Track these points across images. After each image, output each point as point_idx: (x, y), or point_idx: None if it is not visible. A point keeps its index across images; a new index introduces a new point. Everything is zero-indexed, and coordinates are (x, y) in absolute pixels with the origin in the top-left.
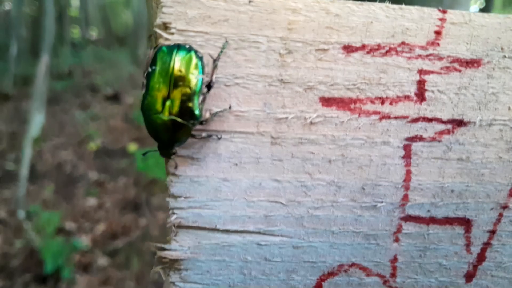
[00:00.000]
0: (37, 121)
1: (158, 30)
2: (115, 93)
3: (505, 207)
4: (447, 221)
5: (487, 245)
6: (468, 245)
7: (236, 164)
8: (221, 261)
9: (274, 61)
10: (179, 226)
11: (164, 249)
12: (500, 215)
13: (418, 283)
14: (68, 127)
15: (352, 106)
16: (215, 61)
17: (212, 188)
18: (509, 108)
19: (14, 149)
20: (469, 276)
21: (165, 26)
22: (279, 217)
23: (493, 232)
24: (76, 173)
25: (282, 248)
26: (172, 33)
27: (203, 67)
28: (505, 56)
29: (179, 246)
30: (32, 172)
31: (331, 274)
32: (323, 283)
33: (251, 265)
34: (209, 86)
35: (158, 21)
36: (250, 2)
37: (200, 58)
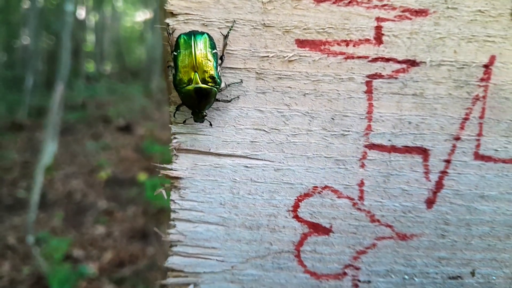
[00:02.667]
0: (49, 150)
1: (169, 20)
2: (126, 124)
3: (457, 138)
4: (407, 150)
5: (443, 173)
6: (427, 173)
7: (227, 96)
8: (214, 181)
9: (258, 8)
10: (179, 150)
11: (168, 169)
12: (454, 146)
13: (384, 206)
14: (80, 157)
15: (322, 47)
16: (225, 38)
17: (206, 117)
18: (454, 51)
19: (26, 178)
20: (429, 202)
21: (173, 14)
22: (263, 143)
23: (448, 161)
24: (86, 202)
25: (265, 171)
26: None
27: (215, 45)
28: (448, 7)
29: (179, 167)
30: (42, 200)
31: (307, 195)
32: (300, 203)
33: (239, 185)
34: (221, 58)
35: (168, 7)
36: None
37: (212, 38)
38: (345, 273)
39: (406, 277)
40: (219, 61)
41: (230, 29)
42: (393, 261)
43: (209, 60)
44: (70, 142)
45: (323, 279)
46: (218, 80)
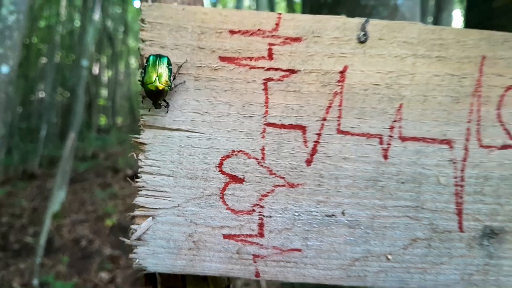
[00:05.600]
0: (58, 197)
1: (141, 45)
2: (134, 174)
3: (324, 119)
4: (291, 126)
5: (316, 142)
6: (305, 142)
7: (175, 91)
8: (166, 146)
9: (195, 37)
10: (144, 125)
11: (137, 138)
12: (322, 124)
13: (278, 164)
14: (88, 205)
15: (235, 61)
16: (179, 68)
17: (162, 105)
18: (320, 63)
19: (34, 224)
20: (308, 162)
21: (143, 40)
22: (199, 122)
23: (319, 134)
24: (91, 248)
25: (200, 140)
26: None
27: (170, 63)
28: (314, 36)
29: (144, 137)
30: (49, 245)
31: (228, 156)
32: (223, 161)
33: (183, 149)
34: (174, 76)
35: (141, 36)
36: (183, 9)
37: (169, 59)
38: (253, 210)
39: (296, 214)
40: (172, 74)
41: (182, 64)
42: (286, 202)
43: (165, 71)
44: (79, 191)
45: (239, 214)
46: (170, 83)
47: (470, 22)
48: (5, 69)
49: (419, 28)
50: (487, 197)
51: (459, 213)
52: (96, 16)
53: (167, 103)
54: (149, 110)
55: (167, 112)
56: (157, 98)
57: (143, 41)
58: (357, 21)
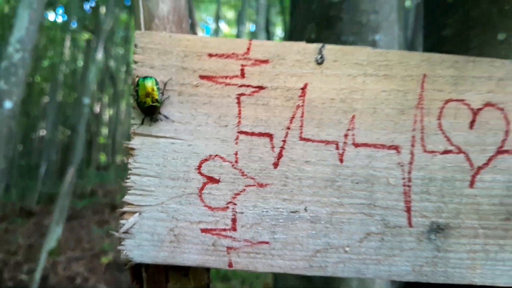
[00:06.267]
0: (54, 234)
1: (134, 65)
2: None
3: (288, 128)
4: (261, 134)
5: (282, 148)
6: (272, 148)
7: (162, 105)
8: (153, 151)
9: (179, 64)
10: (134, 133)
11: (128, 144)
12: (287, 132)
13: (249, 166)
14: (84, 242)
15: (213, 79)
16: (164, 85)
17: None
18: (284, 81)
19: (29, 261)
20: (275, 164)
21: (136, 62)
22: (181, 130)
23: (284, 141)
24: (86, 286)
25: (182, 146)
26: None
27: (158, 83)
28: (280, 58)
29: (134, 143)
30: (43, 282)
31: (206, 159)
32: (202, 164)
33: (167, 154)
34: (162, 93)
35: (134, 58)
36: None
37: (156, 80)
38: (227, 207)
39: (264, 210)
40: (160, 93)
41: (167, 81)
42: (256, 200)
43: (154, 91)
44: (76, 227)
45: (215, 210)
46: (160, 100)
47: (427, 48)
48: (8, 104)
49: (368, 52)
50: (432, 196)
51: (408, 210)
52: (99, 55)
53: (165, 116)
54: (141, 123)
55: (155, 121)
56: (153, 113)
57: (136, 62)
58: (315, 46)
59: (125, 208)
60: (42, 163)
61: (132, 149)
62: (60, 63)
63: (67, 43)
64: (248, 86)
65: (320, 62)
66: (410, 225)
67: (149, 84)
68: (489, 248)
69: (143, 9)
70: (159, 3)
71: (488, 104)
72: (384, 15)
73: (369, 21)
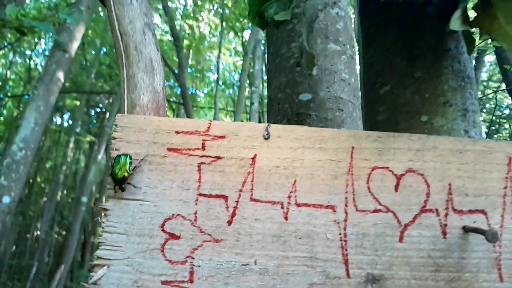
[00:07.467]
0: None
1: (112, 141)
2: None
3: (241, 191)
4: (217, 196)
5: (235, 208)
6: (227, 207)
7: (134, 172)
8: (123, 211)
9: (151, 138)
10: (109, 197)
11: (103, 205)
12: (240, 194)
13: (206, 224)
14: None
15: (178, 151)
16: (141, 160)
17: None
18: (238, 152)
19: None
20: (229, 222)
21: (114, 138)
22: (149, 193)
23: (237, 202)
24: None
25: (149, 206)
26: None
27: (131, 158)
28: (234, 135)
29: (108, 204)
30: None
31: (169, 218)
32: (165, 222)
33: (136, 213)
34: (135, 168)
35: (113, 135)
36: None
37: (130, 156)
38: (186, 261)
39: (219, 263)
40: (131, 167)
41: (143, 158)
42: (211, 254)
43: (126, 164)
44: None
45: (175, 264)
46: (129, 171)
47: (366, 129)
48: (6, 199)
49: (305, 129)
50: (367, 249)
51: (346, 262)
52: (100, 156)
53: (134, 186)
54: (115, 192)
55: (124, 190)
56: (122, 183)
57: (114, 138)
58: (263, 125)
59: (95, 262)
60: (33, 263)
61: (106, 209)
62: (62, 164)
63: (71, 144)
64: (208, 156)
65: (266, 137)
66: (348, 276)
67: (124, 160)
68: None
69: (127, 100)
70: (141, 95)
71: (409, 170)
72: (348, 113)
73: (335, 117)
